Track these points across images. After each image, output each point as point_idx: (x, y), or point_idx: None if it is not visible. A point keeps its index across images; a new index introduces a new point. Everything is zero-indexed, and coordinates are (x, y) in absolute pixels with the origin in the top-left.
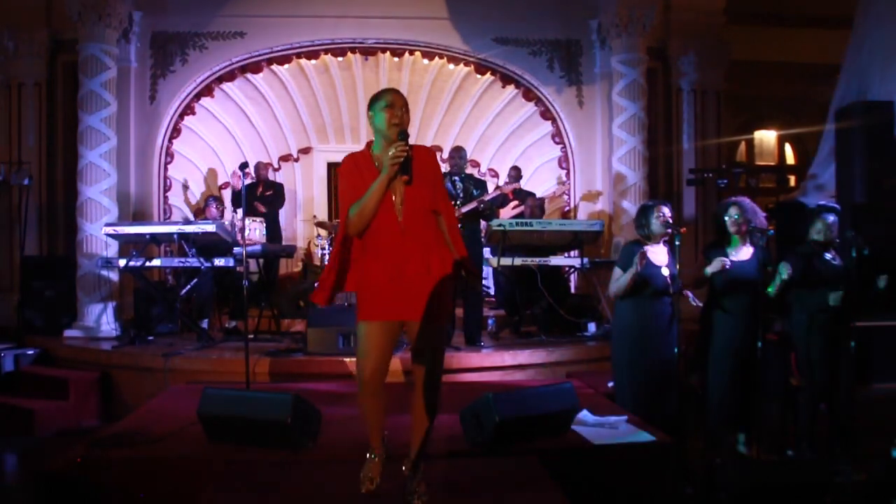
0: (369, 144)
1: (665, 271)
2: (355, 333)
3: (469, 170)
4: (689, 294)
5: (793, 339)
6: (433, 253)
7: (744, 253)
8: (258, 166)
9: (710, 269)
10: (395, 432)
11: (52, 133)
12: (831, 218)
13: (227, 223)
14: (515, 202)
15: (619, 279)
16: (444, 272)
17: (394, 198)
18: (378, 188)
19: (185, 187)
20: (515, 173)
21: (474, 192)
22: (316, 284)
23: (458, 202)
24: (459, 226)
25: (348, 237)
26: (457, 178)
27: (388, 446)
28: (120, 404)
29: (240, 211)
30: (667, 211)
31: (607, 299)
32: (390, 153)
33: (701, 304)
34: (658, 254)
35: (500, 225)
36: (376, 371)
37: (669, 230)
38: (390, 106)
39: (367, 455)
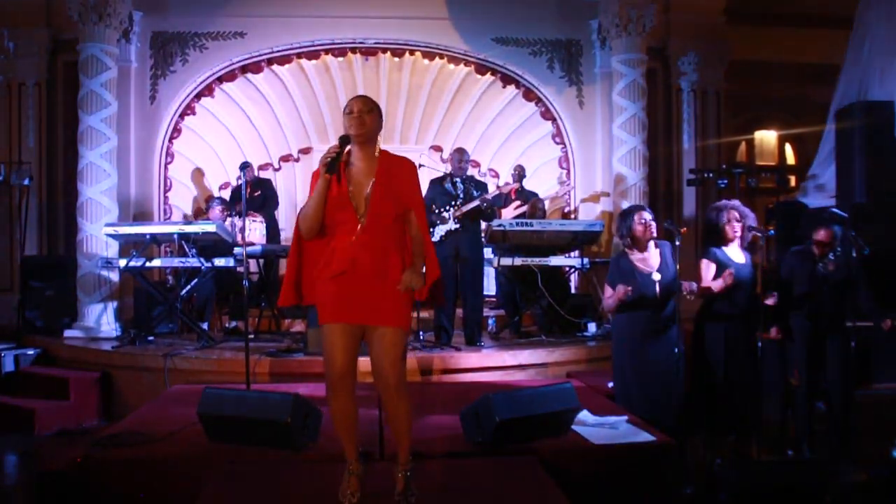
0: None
1: (656, 276)
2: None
3: (469, 170)
4: (686, 286)
5: (793, 339)
6: (392, 258)
7: (738, 255)
8: (248, 168)
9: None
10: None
11: (52, 133)
12: (838, 229)
13: (227, 223)
14: (518, 202)
15: (608, 298)
16: (397, 274)
17: (355, 205)
18: (317, 190)
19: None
20: (519, 172)
21: (474, 193)
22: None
23: (458, 202)
24: (459, 226)
25: (301, 238)
26: (458, 179)
27: (364, 460)
28: (120, 404)
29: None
30: (647, 215)
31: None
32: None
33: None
34: (647, 259)
35: (500, 225)
36: (344, 372)
37: (644, 232)
38: (349, 113)
39: (347, 469)
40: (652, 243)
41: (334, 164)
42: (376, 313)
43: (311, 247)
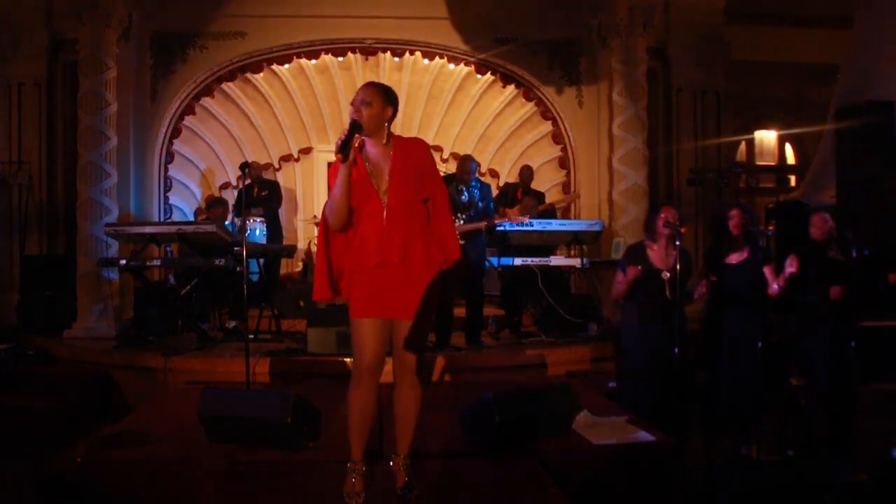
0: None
1: (665, 275)
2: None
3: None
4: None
5: (794, 338)
6: (415, 243)
7: (742, 254)
8: (252, 167)
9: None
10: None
11: (52, 133)
12: (824, 215)
13: (227, 223)
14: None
15: (619, 283)
16: (422, 263)
17: (377, 186)
18: (340, 178)
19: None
20: (527, 173)
21: (479, 204)
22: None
23: (465, 215)
24: (463, 242)
25: (328, 231)
26: (463, 187)
27: (369, 458)
28: (120, 404)
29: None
30: (669, 213)
31: (608, 299)
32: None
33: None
34: (662, 257)
35: (500, 225)
36: (373, 365)
37: (668, 231)
38: (351, 104)
39: (348, 466)
40: (670, 244)
41: (346, 147)
42: (407, 307)
43: (338, 238)
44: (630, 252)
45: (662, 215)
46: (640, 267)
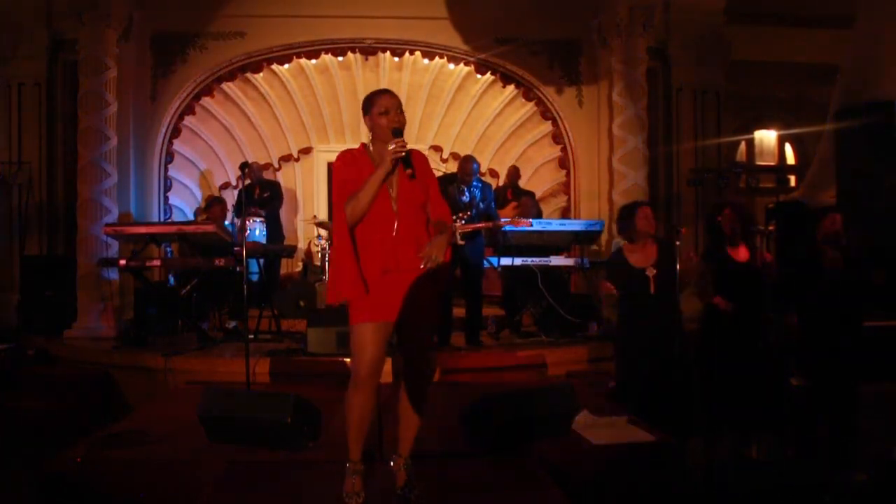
0: (364, 144)
1: (650, 272)
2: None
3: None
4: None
5: (794, 338)
6: (423, 247)
7: (741, 253)
8: (253, 167)
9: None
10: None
11: (52, 133)
12: (834, 217)
13: (228, 223)
14: (515, 203)
15: (602, 293)
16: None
17: (390, 191)
18: (375, 180)
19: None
20: (514, 172)
21: (480, 204)
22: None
23: (466, 216)
24: (463, 243)
25: (348, 228)
26: (464, 187)
27: (369, 457)
28: (120, 404)
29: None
30: (648, 211)
31: (608, 299)
32: (390, 148)
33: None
34: (644, 255)
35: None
36: (373, 369)
37: (646, 229)
38: (386, 112)
39: (347, 466)
40: (651, 240)
41: (409, 159)
42: (412, 308)
43: (359, 234)
44: (611, 260)
45: (641, 214)
46: (609, 285)
